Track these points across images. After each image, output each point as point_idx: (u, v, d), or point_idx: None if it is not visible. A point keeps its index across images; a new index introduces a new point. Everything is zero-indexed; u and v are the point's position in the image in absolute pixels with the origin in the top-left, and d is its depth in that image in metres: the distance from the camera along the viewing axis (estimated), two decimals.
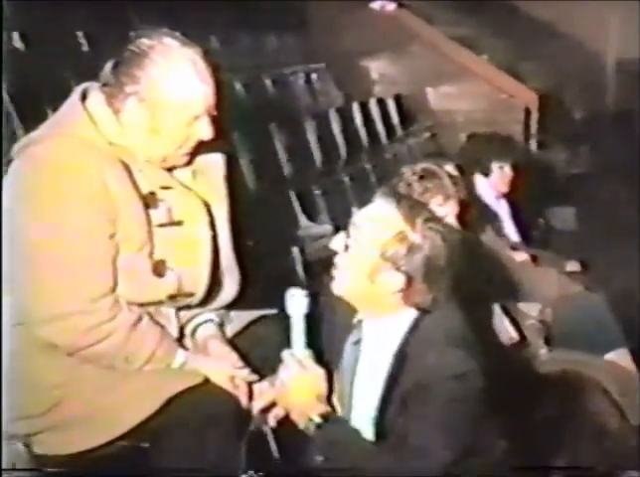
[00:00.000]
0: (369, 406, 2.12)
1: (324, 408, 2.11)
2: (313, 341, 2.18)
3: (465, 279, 2.16)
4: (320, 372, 2.14)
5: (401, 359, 2.09)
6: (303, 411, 2.11)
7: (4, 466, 2.14)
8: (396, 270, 2.07)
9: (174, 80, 2.09)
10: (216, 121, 2.16)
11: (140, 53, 2.09)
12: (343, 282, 2.15)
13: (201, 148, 2.21)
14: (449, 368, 2.02)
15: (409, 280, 2.08)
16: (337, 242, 2.16)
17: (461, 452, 2.04)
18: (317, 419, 2.08)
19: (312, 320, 2.18)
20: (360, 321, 2.20)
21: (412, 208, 2.11)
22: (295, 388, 2.12)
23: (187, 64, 2.09)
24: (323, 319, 2.32)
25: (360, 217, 2.16)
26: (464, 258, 2.16)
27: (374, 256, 2.08)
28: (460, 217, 2.97)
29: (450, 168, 3.04)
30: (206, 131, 2.15)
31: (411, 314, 2.13)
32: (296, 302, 2.17)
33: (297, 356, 2.14)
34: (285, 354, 2.15)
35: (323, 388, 2.14)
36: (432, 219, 2.11)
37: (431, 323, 2.11)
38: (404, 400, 2.04)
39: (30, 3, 3.78)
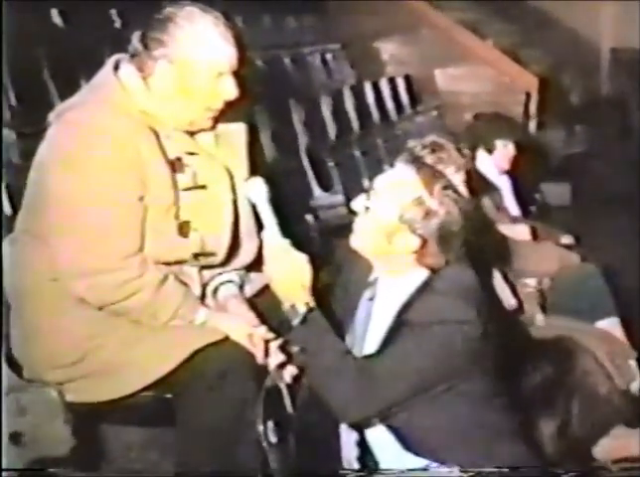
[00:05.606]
0: None
1: (308, 297, 2.03)
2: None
3: (473, 245, 2.12)
4: (304, 258, 2.05)
5: (408, 306, 2.04)
6: (287, 300, 2.04)
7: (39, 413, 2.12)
8: (412, 233, 2.03)
9: (198, 40, 2.06)
10: (239, 87, 2.12)
11: (165, 19, 2.07)
12: (361, 241, 2.11)
13: (225, 115, 2.17)
14: (448, 313, 1.98)
15: (424, 243, 2.04)
16: (357, 204, 2.11)
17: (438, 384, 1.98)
18: (302, 309, 2.01)
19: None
20: (375, 279, 2.15)
21: (432, 175, 2.07)
22: (280, 275, 2.05)
23: (210, 25, 2.07)
24: (337, 278, 2.27)
25: (381, 180, 2.11)
26: (474, 226, 2.11)
27: (392, 219, 2.04)
28: (467, 186, 2.93)
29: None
30: (231, 90, 2.11)
31: (423, 274, 2.08)
32: (256, 188, 2.12)
33: (280, 243, 2.06)
34: (267, 238, 2.08)
35: (307, 275, 2.04)
36: (449, 186, 2.07)
37: (440, 279, 2.06)
38: (401, 337, 1.99)
39: None
